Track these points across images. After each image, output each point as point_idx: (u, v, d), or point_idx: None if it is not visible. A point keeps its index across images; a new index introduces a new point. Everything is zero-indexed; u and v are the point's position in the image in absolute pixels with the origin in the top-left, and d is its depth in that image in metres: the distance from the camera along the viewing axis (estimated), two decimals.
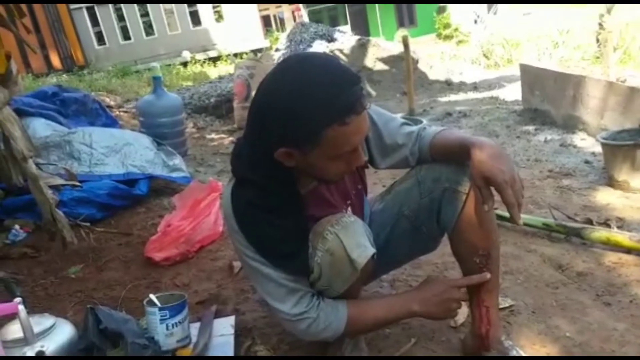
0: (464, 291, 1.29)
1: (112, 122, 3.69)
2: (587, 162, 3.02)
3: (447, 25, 17.44)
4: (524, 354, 1.29)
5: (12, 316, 1.29)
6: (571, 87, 3.68)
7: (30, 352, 1.26)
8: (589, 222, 2.12)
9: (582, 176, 2.81)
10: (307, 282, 1.21)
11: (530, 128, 3.94)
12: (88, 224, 2.32)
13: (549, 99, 4.08)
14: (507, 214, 1.13)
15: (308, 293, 1.22)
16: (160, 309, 1.44)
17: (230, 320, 1.62)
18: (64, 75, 10.14)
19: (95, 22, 13.72)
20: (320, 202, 1.25)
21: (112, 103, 5.70)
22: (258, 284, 1.24)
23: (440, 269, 1.89)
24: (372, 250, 1.16)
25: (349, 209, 1.33)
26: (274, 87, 1.05)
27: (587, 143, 3.38)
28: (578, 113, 3.65)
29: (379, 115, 1.34)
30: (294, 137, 1.04)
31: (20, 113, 2.88)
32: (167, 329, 1.44)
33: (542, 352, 1.39)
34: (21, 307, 1.25)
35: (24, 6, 3.23)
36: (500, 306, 1.49)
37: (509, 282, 1.76)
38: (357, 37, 7.70)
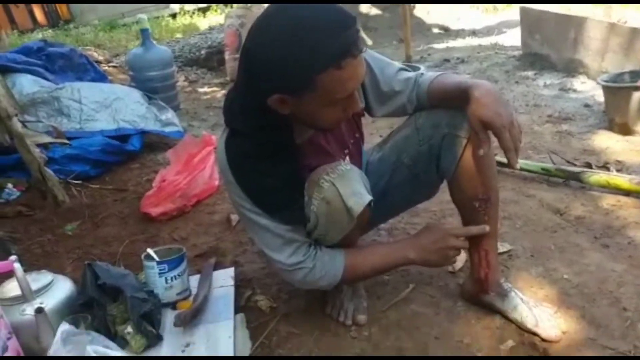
0: (462, 239, 1.28)
1: (100, 77, 3.59)
2: (586, 105, 2.97)
3: None
4: (522, 296, 1.30)
5: (10, 274, 1.28)
6: (572, 29, 3.58)
7: (29, 309, 1.26)
8: (588, 166, 2.10)
9: (581, 120, 2.77)
10: (304, 231, 1.20)
11: (530, 73, 3.86)
12: (79, 181, 2.29)
13: (549, 42, 3.97)
14: (505, 160, 1.11)
15: (305, 243, 1.21)
16: (159, 263, 1.45)
17: (230, 271, 1.63)
18: (50, 31, 9.80)
19: None
20: (317, 151, 1.22)
21: (101, 58, 5.53)
22: (255, 235, 1.23)
23: (438, 216, 1.89)
24: (368, 198, 1.14)
25: (347, 157, 1.30)
26: (264, 32, 1.00)
27: (587, 87, 3.32)
28: (579, 56, 3.56)
29: (375, 61, 1.30)
30: (287, 82, 1.00)
31: (6, 70, 2.80)
32: (166, 282, 1.45)
33: (540, 294, 1.40)
34: (17, 265, 1.24)
35: None
36: (499, 251, 1.49)
37: (507, 227, 1.75)
38: None
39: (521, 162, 2.14)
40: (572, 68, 3.64)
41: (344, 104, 1.07)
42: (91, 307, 1.33)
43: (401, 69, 1.32)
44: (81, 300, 1.34)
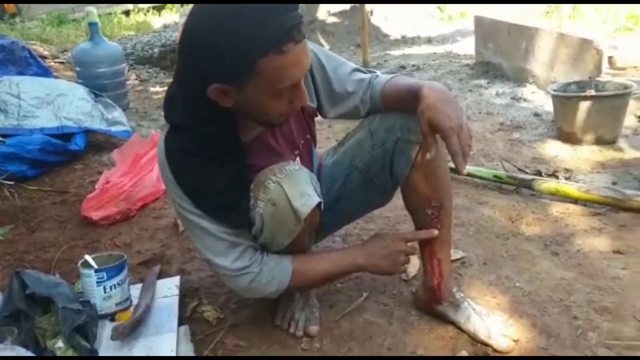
0: (413, 245, 1.26)
1: (44, 72, 3.38)
2: (536, 114, 3.04)
3: None
4: (475, 306, 1.28)
5: None
6: (524, 39, 3.67)
7: None
8: (539, 173, 2.14)
9: (532, 129, 2.83)
10: (249, 235, 1.14)
11: (483, 82, 3.94)
12: (12, 182, 2.13)
13: (501, 51, 4.07)
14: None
15: (250, 247, 1.15)
16: (97, 271, 1.35)
17: (175, 280, 1.54)
18: None
19: None
20: (265, 151, 1.17)
21: (46, 53, 5.26)
22: (196, 238, 1.16)
23: (392, 222, 1.86)
24: (316, 200, 1.10)
25: (297, 159, 1.25)
26: (200, 15, 0.94)
27: (537, 96, 3.41)
28: (529, 66, 3.66)
29: (328, 59, 1.25)
30: (225, 70, 0.93)
31: None
32: (105, 291, 1.35)
33: (493, 303, 1.39)
34: None
35: None
36: (452, 258, 1.47)
37: (460, 234, 1.75)
38: None
39: (473, 169, 2.16)
40: (523, 77, 3.73)
41: (290, 95, 1.01)
42: (18, 320, 1.22)
43: (355, 70, 1.28)
44: (7, 312, 1.22)
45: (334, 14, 6.92)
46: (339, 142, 1.42)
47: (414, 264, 1.55)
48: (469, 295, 1.35)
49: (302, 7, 6.62)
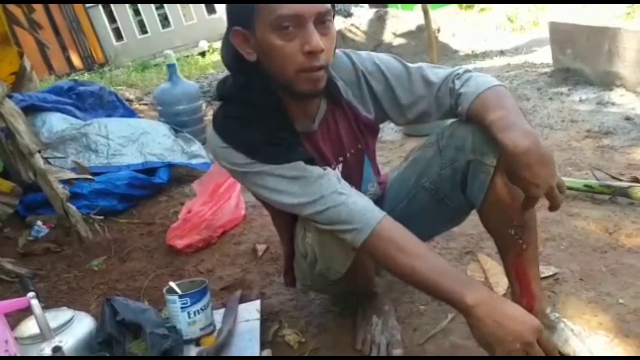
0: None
1: (130, 114, 3.64)
2: (628, 118, 2.81)
3: None
4: (573, 327, 1.17)
5: (30, 312, 1.24)
6: (606, 41, 3.45)
7: (47, 348, 1.20)
8: (636, 180, 1.96)
9: (623, 134, 2.62)
10: (312, 169, 1.06)
11: (563, 89, 3.73)
12: (102, 217, 2.28)
13: (581, 56, 3.84)
14: None
15: (326, 171, 1.07)
16: (181, 297, 1.38)
17: (256, 304, 1.55)
18: (86, 74, 10.22)
19: (112, 18, 13.77)
20: (309, 149, 1.14)
21: (132, 97, 5.69)
22: (265, 190, 1.08)
23: (475, 239, 1.77)
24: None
25: (340, 165, 1.21)
26: None
27: (626, 99, 3.17)
28: (615, 68, 3.42)
29: (389, 65, 1.18)
30: (236, 12, 1.02)
31: (36, 109, 2.86)
32: (189, 316, 1.38)
33: (594, 322, 1.27)
34: (34, 302, 1.19)
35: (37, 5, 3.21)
36: (543, 275, 1.37)
37: (551, 248, 1.63)
38: (375, 9, 7.45)
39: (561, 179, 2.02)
40: (609, 81, 3.49)
41: (299, 38, 0.96)
42: (111, 345, 1.27)
43: (423, 73, 1.18)
44: (100, 338, 1.28)
45: (400, 35, 6.90)
46: (405, 158, 1.35)
47: (502, 284, 1.46)
48: (565, 315, 1.24)
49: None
